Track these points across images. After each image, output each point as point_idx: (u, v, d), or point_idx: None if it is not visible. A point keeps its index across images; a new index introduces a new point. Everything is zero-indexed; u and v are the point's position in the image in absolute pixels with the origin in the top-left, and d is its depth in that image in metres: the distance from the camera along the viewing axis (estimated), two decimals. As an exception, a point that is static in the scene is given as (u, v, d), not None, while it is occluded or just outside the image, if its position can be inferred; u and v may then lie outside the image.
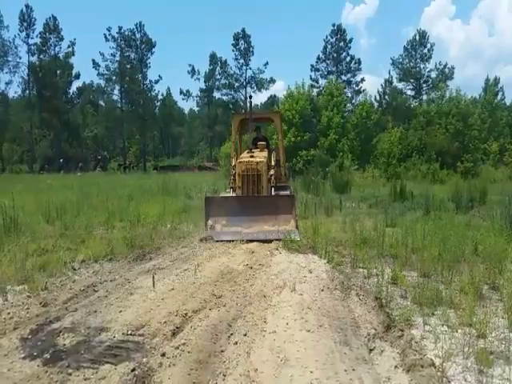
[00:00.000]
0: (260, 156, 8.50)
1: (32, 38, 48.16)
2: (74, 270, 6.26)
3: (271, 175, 8.55)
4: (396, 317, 3.82)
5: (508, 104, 47.57)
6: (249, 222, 7.59)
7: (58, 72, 49.48)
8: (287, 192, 9.27)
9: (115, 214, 10.01)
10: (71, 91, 52.49)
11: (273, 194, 8.35)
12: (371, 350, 3.46)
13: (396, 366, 3.13)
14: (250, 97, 9.67)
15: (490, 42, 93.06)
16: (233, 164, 9.30)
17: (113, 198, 12.22)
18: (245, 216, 7.56)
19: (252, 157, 8.22)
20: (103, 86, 52.25)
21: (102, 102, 55.33)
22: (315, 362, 3.20)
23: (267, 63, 55.88)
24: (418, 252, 6.20)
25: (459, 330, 3.76)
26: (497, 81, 49.51)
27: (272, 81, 55.25)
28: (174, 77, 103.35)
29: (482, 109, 35.03)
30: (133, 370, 3.30)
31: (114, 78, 50.95)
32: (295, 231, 7.39)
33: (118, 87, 51.68)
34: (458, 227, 7.52)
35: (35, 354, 3.63)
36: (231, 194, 8.41)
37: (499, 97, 47.27)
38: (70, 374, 3.30)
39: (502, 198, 10.05)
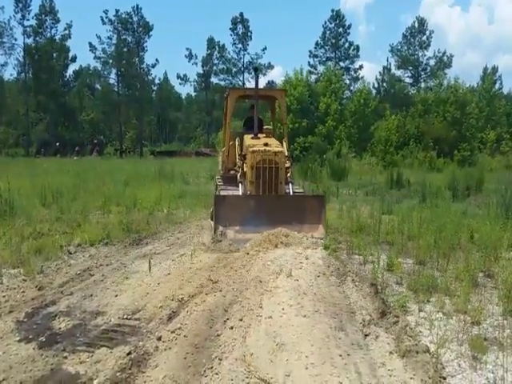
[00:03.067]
0: (276, 144, 6.88)
1: (28, 20, 47.48)
2: (70, 253, 6.25)
3: (288, 168, 6.95)
4: (391, 303, 3.84)
5: (506, 93, 47.57)
6: (268, 228, 5.96)
7: (55, 55, 48.80)
8: (297, 188, 7.60)
9: (111, 199, 9.96)
10: (68, 74, 52.02)
11: (290, 191, 6.83)
12: (366, 335, 3.48)
13: (391, 352, 3.15)
14: (256, 69, 8.46)
15: (489, 30, 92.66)
16: (224, 149, 8.07)
17: (109, 183, 12.17)
18: (263, 220, 6.00)
19: (266, 145, 6.52)
20: (100, 69, 51.69)
21: (98, 86, 54.79)
22: (311, 346, 3.21)
23: (265, 48, 55.49)
24: (413, 239, 6.23)
25: (454, 317, 3.79)
26: (495, 70, 49.38)
27: (270, 66, 54.76)
28: (172, 61, 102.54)
29: (479, 97, 34.94)
30: (128, 353, 3.31)
31: (110, 61, 50.33)
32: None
33: (114, 71, 51.15)
34: (454, 215, 7.53)
35: (31, 337, 3.64)
36: (240, 189, 6.62)
37: (497, 86, 47.19)
38: (66, 357, 3.31)
39: (498, 187, 10.07)
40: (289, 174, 6.89)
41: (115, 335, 3.69)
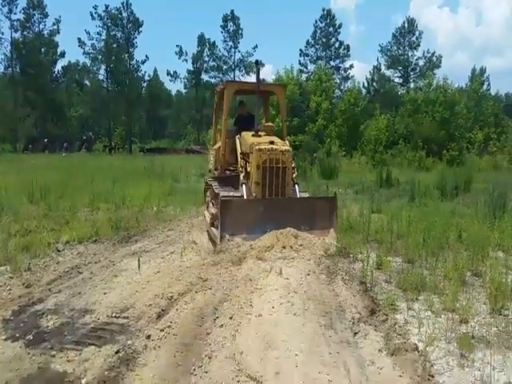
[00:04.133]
0: (282, 143, 6.41)
1: (15, 14, 46.61)
2: (58, 251, 6.18)
3: (294, 168, 6.50)
4: (380, 301, 3.87)
5: (493, 94, 48.14)
6: None
7: (43, 50, 48.15)
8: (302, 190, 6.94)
9: (100, 196, 9.87)
10: (56, 70, 51.26)
11: (297, 193, 6.38)
12: (356, 333, 3.50)
13: (380, 350, 3.17)
14: (257, 62, 7.08)
15: (477, 31, 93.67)
16: (217, 147, 7.49)
17: (98, 180, 12.06)
18: (272, 226, 5.52)
19: (272, 143, 6.06)
20: (89, 65, 51.11)
21: (87, 82, 54.17)
22: (300, 344, 3.22)
23: (256, 46, 55.21)
24: (402, 238, 6.27)
25: (442, 315, 3.83)
26: (483, 71, 49.92)
27: (260, 64, 54.65)
28: (161, 57, 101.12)
29: (468, 98, 35.26)
30: (117, 352, 3.29)
31: (99, 57, 49.80)
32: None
33: (103, 67, 50.62)
34: (443, 214, 7.61)
35: (17, 335, 3.59)
36: (244, 191, 5.99)
37: (485, 86, 47.74)
38: (53, 356, 3.28)
39: (486, 187, 10.18)
40: (295, 175, 6.42)
41: (104, 333, 3.66)
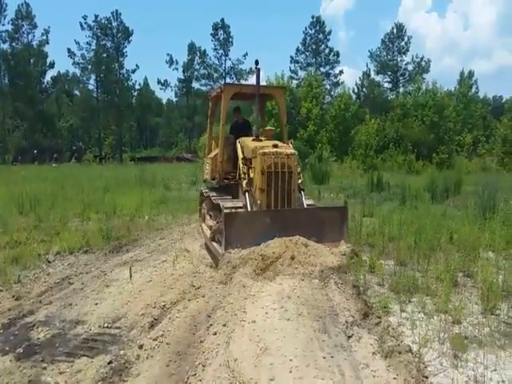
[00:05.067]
0: (287, 146, 6.08)
1: (3, 25, 46.60)
2: (49, 262, 6.12)
3: (299, 173, 6.11)
4: (373, 304, 3.87)
5: (481, 97, 48.78)
6: None
7: (32, 60, 48.01)
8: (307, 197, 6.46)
9: (91, 206, 9.82)
10: (45, 80, 51.16)
11: (303, 201, 6.00)
12: (349, 337, 3.49)
13: (374, 353, 3.17)
14: (257, 62, 6.48)
15: (464, 35, 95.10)
16: (213, 155, 7.11)
17: (88, 190, 12.00)
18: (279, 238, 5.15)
19: (276, 146, 5.76)
20: (79, 75, 51.04)
21: (77, 92, 54.04)
22: (295, 350, 3.20)
23: (247, 54, 55.73)
24: (394, 241, 6.30)
25: (435, 317, 3.84)
26: (471, 74, 50.58)
27: (251, 72, 54.89)
28: (152, 66, 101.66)
29: (456, 101, 35.69)
30: (109, 362, 3.25)
31: (89, 67, 49.78)
32: None
33: (93, 76, 50.60)
34: (434, 217, 7.66)
35: (7, 348, 3.54)
36: (247, 200, 5.64)
37: (473, 90, 48.39)
38: (45, 368, 3.23)
39: (475, 189, 10.28)
40: (300, 181, 6.03)
41: (96, 344, 3.63)
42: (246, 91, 7.03)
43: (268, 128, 6.94)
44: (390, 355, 3.04)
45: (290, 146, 6.26)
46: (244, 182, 5.77)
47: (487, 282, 4.33)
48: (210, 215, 6.62)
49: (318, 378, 2.85)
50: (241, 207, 5.73)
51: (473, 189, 10.97)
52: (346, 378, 2.88)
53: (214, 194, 6.63)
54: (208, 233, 6.32)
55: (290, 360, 3.08)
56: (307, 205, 5.92)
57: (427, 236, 6.11)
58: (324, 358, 3.12)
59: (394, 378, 2.79)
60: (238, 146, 6.25)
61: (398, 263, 5.50)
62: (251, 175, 5.82)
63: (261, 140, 6.19)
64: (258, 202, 5.55)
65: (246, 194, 5.65)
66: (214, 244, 5.81)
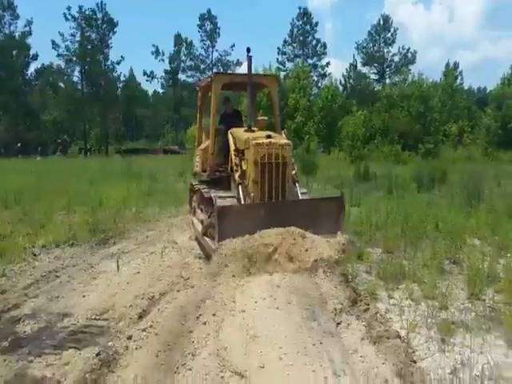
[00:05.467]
0: (280, 136, 5.94)
1: (-16, 16, 45.47)
2: (34, 255, 6.03)
3: (294, 164, 5.97)
4: (362, 291, 3.90)
5: (466, 88, 49.28)
6: None
7: (14, 52, 46.98)
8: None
9: (77, 199, 9.70)
10: (29, 73, 50.20)
11: (298, 193, 5.82)
12: (338, 324, 3.52)
13: (362, 339, 3.20)
14: (248, 50, 6.21)
15: (450, 27, 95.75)
16: (203, 147, 6.91)
17: (74, 182, 11.84)
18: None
19: (269, 137, 5.55)
20: (63, 67, 50.13)
21: (61, 84, 53.08)
22: (284, 337, 3.21)
23: (234, 45, 55.23)
24: (381, 230, 6.34)
25: (422, 303, 3.89)
26: (456, 65, 50.98)
27: (239, 63, 54.53)
28: (137, 58, 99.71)
29: (442, 92, 35.97)
30: (98, 354, 3.22)
31: (74, 59, 48.93)
32: None
33: (78, 68, 49.77)
34: (420, 206, 7.75)
35: (-7, 342, 3.49)
36: (240, 193, 5.47)
37: (458, 81, 48.80)
38: (31, 362, 3.19)
39: (461, 178, 10.42)
40: (294, 172, 5.87)
41: (83, 336, 3.59)
42: (237, 80, 6.79)
43: (261, 118, 6.67)
44: (379, 341, 3.07)
45: (284, 136, 6.08)
46: (237, 175, 5.58)
47: (473, 269, 4.39)
48: (201, 209, 6.45)
49: (307, 365, 2.87)
50: (232, 198, 5.57)
51: (458, 178, 11.10)
52: (335, 363, 2.90)
53: (205, 187, 6.44)
54: (199, 227, 6.14)
55: (280, 347, 3.09)
56: (302, 196, 5.75)
57: (414, 224, 6.17)
58: (313, 344, 3.13)
59: (383, 363, 2.82)
60: (230, 137, 6.04)
61: (386, 251, 5.54)
62: (244, 167, 5.62)
63: (253, 130, 5.96)
64: (252, 194, 5.36)
65: (239, 186, 5.46)
66: (206, 239, 5.62)
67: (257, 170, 5.32)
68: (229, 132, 6.12)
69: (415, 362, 2.86)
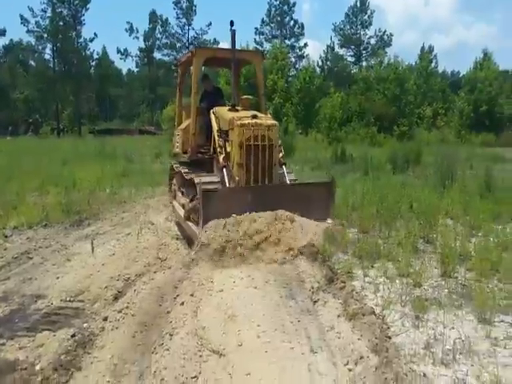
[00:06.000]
0: (266, 116, 5.63)
1: None
2: (6, 237, 5.86)
3: (280, 146, 5.68)
4: (338, 270, 3.94)
5: (441, 71, 49.90)
6: None
7: (-22, 28, 44.86)
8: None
9: (49, 179, 9.44)
10: (-4, 49, 48.09)
11: (286, 176, 5.58)
12: (315, 302, 3.56)
13: (339, 316, 3.24)
14: (232, 23, 5.86)
15: (425, 11, 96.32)
16: (184, 127, 6.57)
17: (46, 163, 11.51)
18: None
19: (255, 117, 5.27)
20: (34, 44, 48.13)
21: (32, 62, 51.05)
22: (262, 316, 3.23)
23: (210, 24, 54.38)
24: (357, 210, 6.41)
25: (397, 281, 3.96)
26: (431, 49, 51.50)
27: (216, 42, 53.65)
28: (111, 35, 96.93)
29: (417, 75, 36.34)
30: (73, 335, 3.17)
31: (45, 35, 46.98)
32: None
33: (49, 46, 47.92)
34: (395, 186, 7.86)
35: (-37, 326, 3.39)
36: (225, 176, 5.15)
37: (433, 64, 49.34)
38: (4, 344, 3.12)
39: (435, 159, 10.59)
40: (281, 154, 5.63)
41: (58, 318, 3.53)
42: (220, 56, 6.46)
43: (245, 97, 6.25)
44: (354, 317, 3.12)
45: (269, 116, 5.79)
46: (221, 157, 5.28)
47: (446, 247, 4.50)
48: (182, 192, 6.23)
49: (285, 342, 2.90)
50: (218, 183, 5.28)
51: (432, 160, 11.29)
52: (312, 340, 2.95)
53: (186, 168, 6.13)
54: (181, 211, 5.87)
55: (258, 326, 3.11)
56: (290, 180, 5.55)
57: (389, 205, 6.25)
58: (291, 322, 3.17)
59: (359, 339, 2.87)
60: (213, 116, 5.74)
61: (361, 231, 5.61)
62: (228, 149, 5.34)
63: (238, 110, 5.66)
64: (237, 178, 5.11)
65: (224, 169, 5.16)
66: (189, 224, 5.33)
67: (242, 152, 5.08)
68: (211, 111, 5.82)
69: (390, 337, 2.92)
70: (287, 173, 5.61)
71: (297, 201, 4.89)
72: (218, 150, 5.37)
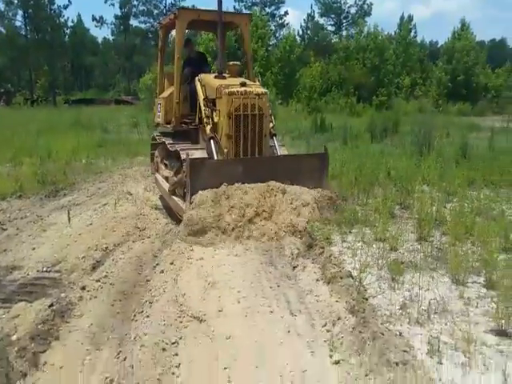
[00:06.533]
0: (256, 84, 5.37)
1: None
2: (-23, 209, 5.70)
3: (271, 115, 5.45)
4: (317, 236, 3.97)
5: (419, 41, 49.69)
6: None
7: None
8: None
9: (23, 150, 9.15)
10: (-39, 15, 45.37)
11: (276, 148, 5.37)
12: (294, 267, 3.60)
13: (317, 280, 3.29)
14: None
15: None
16: (166, 95, 6.17)
17: (20, 134, 11.14)
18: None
19: (244, 85, 4.98)
20: (3, 10, 45.57)
21: (2, 29, 48.53)
22: (242, 282, 3.26)
23: (189, -11, 52.19)
24: (336, 178, 6.43)
25: (374, 245, 4.03)
26: (411, 18, 51.04)
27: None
28: (85, 2, 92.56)
29: (396, 45, 36.11)
30: (50, 305, 3.12)
31: (15, 1, 44.51)
32: None
33: (21, 12, 45.45)
34: (373, 155, 7.92)
35: None
36: (212, 148, 4.87)
37: (412, 34, 49.06)
38: (-22, 316, 3.06)
39: (412, 128, 10.67)
40: (272, 125, 5.38)
41: (34, 288, 3.48)
42: (205, 18, 5.98)
43: (232, 63, 5.82)
44: (332, 281, 3.17)
45: (259, 84, 5.52)
46: (208, 128, 5.00)
47: (422, 213, 4.58)
48: (166, 164, 5.95)
49: (264, 306, 2.94)
50: (205, 154, 5.04)
51: (410, 128, 11.36)
52: (291, 303, 2.99)
53: (171, 140, 5.78)
54: (165, 185, 5.60)
55: (238, 291, 3.14)
56: (280, 151, 5.38)
57: (367, 172, 6.31)
58: (271, 287, 3.21)
59: (337, 301, 2.92)
60: (198, 84, 5.36)
61: (340, 198, 5.64)
62: (216, 119, 5.06)
63: (225, 77, 5.36)
64: (225, 150, 4.88)
65: (211, 141, 4.90)
66: (175, 198, 5.13)
67: (230, 122, 4.85)
68: (196, 79, 5.46)
69: (367, 299, 2.98)
70: (279, 146, 5.44)
71: (290, 173, 4.76)
72: (205, 120, 5.08)
